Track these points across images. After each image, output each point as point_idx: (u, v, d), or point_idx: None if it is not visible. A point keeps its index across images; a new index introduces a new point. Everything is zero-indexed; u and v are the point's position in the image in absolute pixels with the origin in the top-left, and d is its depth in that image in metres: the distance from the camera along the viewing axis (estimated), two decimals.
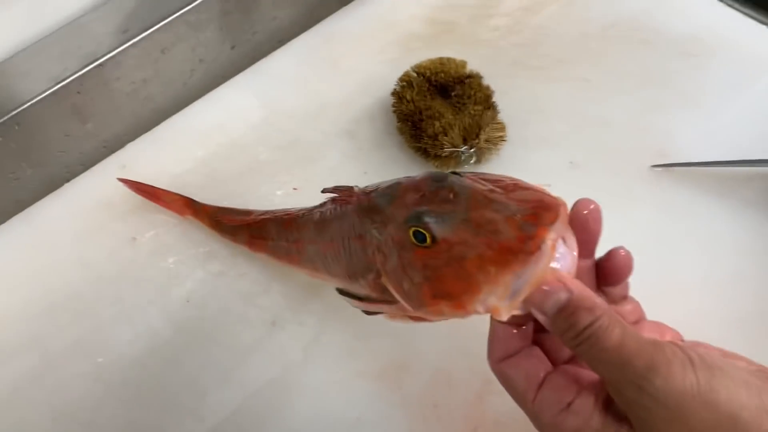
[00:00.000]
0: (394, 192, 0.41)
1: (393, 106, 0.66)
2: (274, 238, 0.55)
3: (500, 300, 0.33)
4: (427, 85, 0.65)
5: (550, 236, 0.33)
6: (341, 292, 0.46)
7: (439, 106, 0.62)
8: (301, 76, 0.75)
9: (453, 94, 0.64)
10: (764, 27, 0.71)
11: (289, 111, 0.72)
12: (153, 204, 0.64)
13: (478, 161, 0.64)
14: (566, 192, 0.58)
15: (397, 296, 0.38)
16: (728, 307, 0.55)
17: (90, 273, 0.62)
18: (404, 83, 0.65)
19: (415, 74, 0.66)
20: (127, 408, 0.55)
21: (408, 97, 0.64)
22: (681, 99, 0.67)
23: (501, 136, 0.63)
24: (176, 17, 0.67)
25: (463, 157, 0.62)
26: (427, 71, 0.65)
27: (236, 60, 0.76)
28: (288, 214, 0.54)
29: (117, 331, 0.58)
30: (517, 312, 0.34)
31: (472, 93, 0.63)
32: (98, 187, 0.68)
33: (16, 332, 0.59)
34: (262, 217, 0.57)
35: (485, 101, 0.63)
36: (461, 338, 0.55)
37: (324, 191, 0.47)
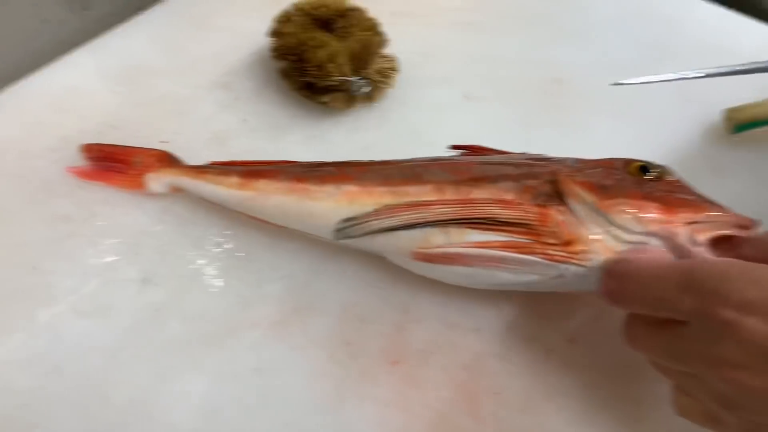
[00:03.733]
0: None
1: (271, 50, 0.60)
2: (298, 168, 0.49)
3: (695, 234, 0.40)
4: (308, 19, 0.59)
5: None
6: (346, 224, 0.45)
7: (323, 36, 0.57)
8: (165, 36, 0.67)
9: (337, 27, 0.59)
10: None
11: (153, 69, 0.64)
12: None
13: (372, 98, 0.59)
14: (464, 122, 0.54)
15: (581, 190, 0.42)
16: None
17: None
18: (283, 20, 0.60)
19: (293, 10, 0.60)
20: None
21: (289, 31, 0.58)
22: (563, 35, 0.67)
23: (392, 67, 0.59)
24: None
25: (354, 88, 0.56)
26: (307, 6, 0.60)
27: (89, 24, 0.68)
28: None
29: None
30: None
31: (357, 22, 0.58)
32: None
33: None
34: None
35: (372, 29, 0.58)
36: (371, 270, 0.48)
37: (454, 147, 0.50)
